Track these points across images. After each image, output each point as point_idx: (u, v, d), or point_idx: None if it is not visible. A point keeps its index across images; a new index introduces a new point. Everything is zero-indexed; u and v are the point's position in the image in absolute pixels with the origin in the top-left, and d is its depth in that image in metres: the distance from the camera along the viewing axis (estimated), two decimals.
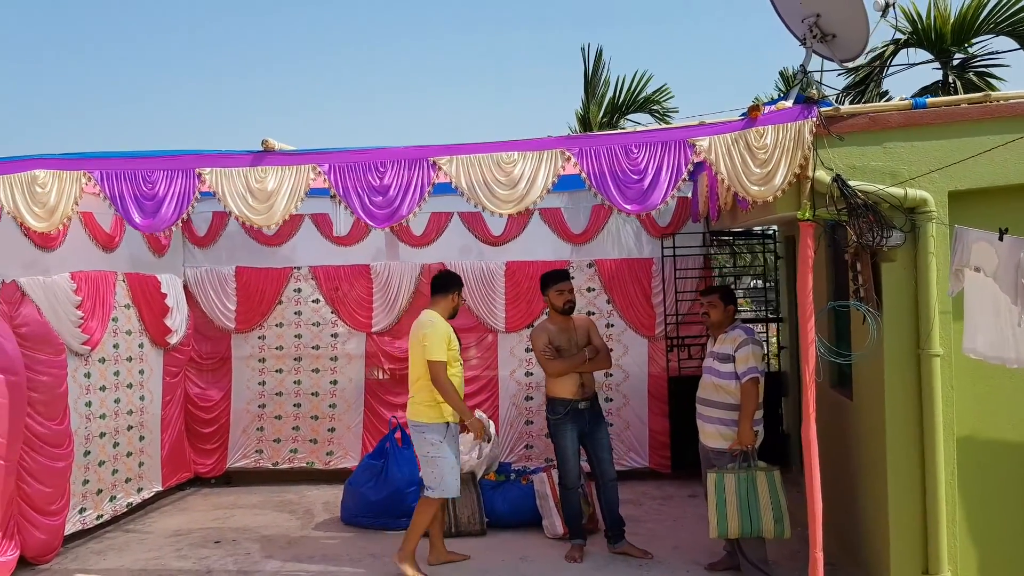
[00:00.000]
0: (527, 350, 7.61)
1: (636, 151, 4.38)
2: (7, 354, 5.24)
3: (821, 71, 5.04)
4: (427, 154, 4.63)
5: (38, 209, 4.63)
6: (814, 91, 4.31)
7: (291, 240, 7.75)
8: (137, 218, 4.66)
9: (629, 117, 12.10)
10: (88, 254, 6.32)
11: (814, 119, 4.21)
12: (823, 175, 4.25)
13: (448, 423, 5.20)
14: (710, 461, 5.04)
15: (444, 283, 5.53)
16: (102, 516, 6.38)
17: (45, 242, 5.84)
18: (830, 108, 4.33)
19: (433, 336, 5.14)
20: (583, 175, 4.41)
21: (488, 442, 6.35)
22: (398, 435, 6.56)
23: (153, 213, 4.66)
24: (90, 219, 6.27)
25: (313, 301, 7.81)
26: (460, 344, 5.44)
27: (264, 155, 4.72)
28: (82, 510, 6.15)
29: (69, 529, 5.92)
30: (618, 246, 7.66)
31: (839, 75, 9.51)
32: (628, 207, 4.33)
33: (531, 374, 7.67)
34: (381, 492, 6.26)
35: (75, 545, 6.02)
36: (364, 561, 5.59)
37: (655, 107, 11.97)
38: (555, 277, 5.69)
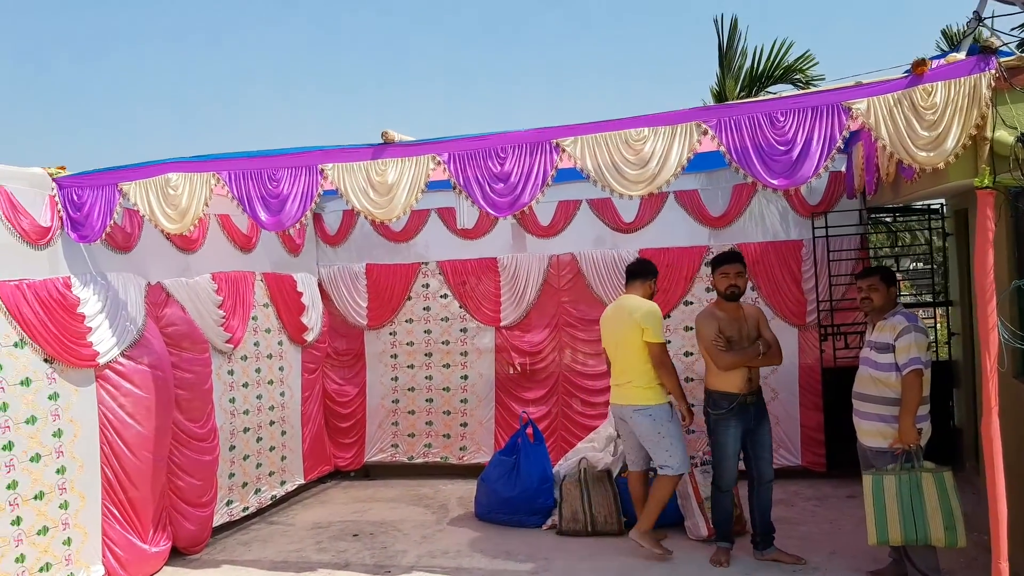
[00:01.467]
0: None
1: (783, 119, 3.96)
2: (154, 352, 5.44)
3: (993, 17, 4.42)
4: (549, 136, 4.40)
5: (171, 211, 4.75)
6: (992, 39, 3.73)
7: (418, 235, 7.73)
8: (263, 216, 4.69)
9: (769, 89, 11.37)
10: (227, 255, 6.50)
11: (993, 71, 3.65)
12: (1004, 136, 3.68)
13: (670, 402, 5.20)
14: (869, 461, 4.53)
15: (642, 269, 5.44)
16: (248, 508, 6.57)
17: (187, 245, 6.04)
18: (1012, 58, 3.74)
19: (653, 319, 5.11)
20: (722, 149, 4.04)
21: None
22: (529, 431, 6.38)
23: (278, 211, 4.68)
24: (227, 221, 6.44)
25: (441, 296, 7.75)
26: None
27: (385, 147, 4.64)
28: (229, 502, 6.35)
29: (217, 521, 6.12)
30: (763, 228, 7.12)
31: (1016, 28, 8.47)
32: (775, 182, 3.92)
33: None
34: (514, 489, 6.10)
35: (223, 536, 6.21)
36: (499, 558, 5.44)
37: (797, 76, 11.15)
38: (721, 259, 5.19)
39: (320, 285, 7.80)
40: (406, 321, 7.82)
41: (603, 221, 7.38)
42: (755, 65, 11.08)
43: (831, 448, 6.84)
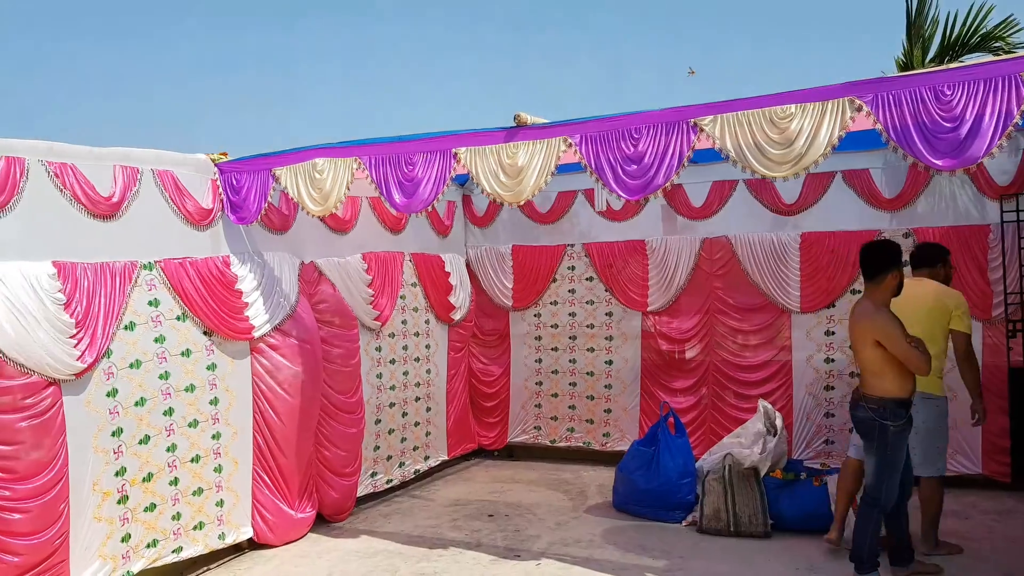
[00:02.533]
0: (826, 333, 6.75)
1: (949, 92, 3.49)
2: (305, 327, 5.71)
3: None
4: (687, 115, 4.14)
5: (316, 194, 4.93)
6: None
7: (565, 217, 7.62)
8: (397, 199, 4.77)
9: (963, 59, 10.24)
10: (378, 236, 6.71)
11: None
12: None
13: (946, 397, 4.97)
14: None
15: (934, 254, 5.14)
16: (391, 481, 6.81)
17: (339, 226, 6.28)
18: None
19: (963, 306, 4.87)
20: (878, 127, 3.63)
21: (773, 435, 5.73)
22: (671, 422, 6.14)
23: (411, 194, 4.73)
24: (378, 204, 6.63)
25: (587, 279, 7.62)
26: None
27: (517, 130, 4.57)
28: (373, 474, 6.60)
29: (361, 491, 6.38)
30: (943, 211, 6.42)
31: None
32: (939, 162, 3.48)
33: (832, 360, 6.77)
34: (651, 481, 5.91)
35: (366, 507, 6.47)
36: (632, 552, 5.30)
37: (997, 44, 9.96)
38: (899, 253, 4.50)
39: (468, 266, 7.89)
40: (551, 303, 7.77)
41: (761, 202, 6.94)
42: (947, 33, 10.01)
43: (1018, 457, 6.12)
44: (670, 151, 4.16)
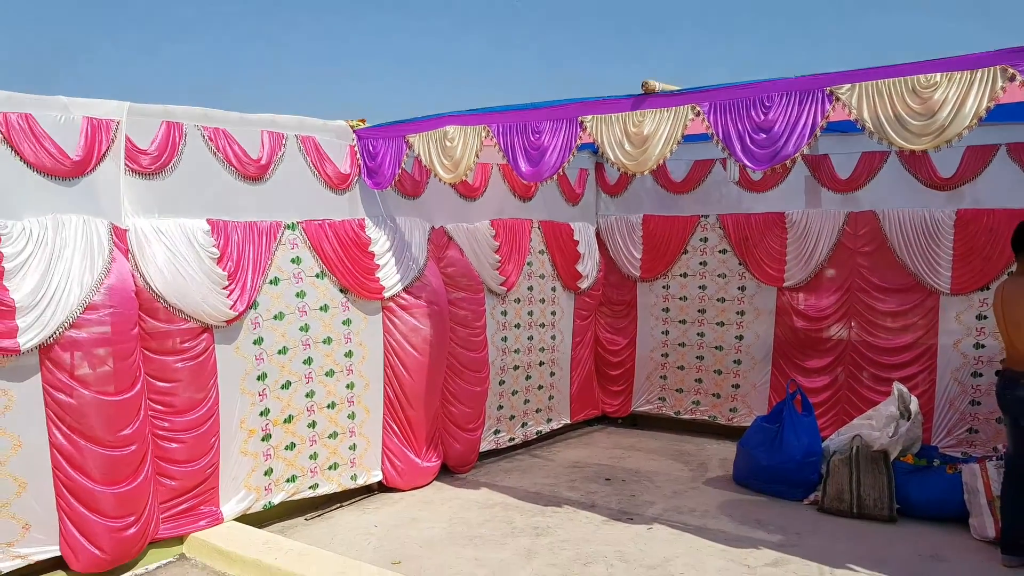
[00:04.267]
0: (978, 317, 6.32)
1: None
2: (433, 289, 5.96)
3: None
4: (823, 83, 3.99)
5: (447, 161, 5.10)
6: None
7: (700, 187, 7.46)
8: (523, 167, 4.86)
9: None
10: (507, 203, 6.85)
11: None
12: None
13: None
14: None
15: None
16: (514, 439, 7.03)
17: (469, 192, 6.47)
18: None
19: None
20: None
21: (907, 419, 5.48)
22: (797, 399, 5.98)
23: (537, 162, 4.81)
24: (508, 171, 6.75)
25: (720, 251, 7.46)
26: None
27: (644, 98, 4.53)
28: (496, 432, 6.84)
29: (484, 447, 6.64)
30: None
31: None
32: None
33: (982, 346, 6.34)
34: (773, 458, 5.80)
35: (489, 462, 6.73)
36: (746, 525, 5.25)
37: None
38: None
39: (598, 234, 7.91)
40: (680, 275, 7.67)
41: (914, 175, 6.51)
42: None
43: None
44: (802, 121, 4.01)
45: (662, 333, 7.83)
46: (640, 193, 7.79)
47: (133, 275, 4.42)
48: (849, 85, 3.88)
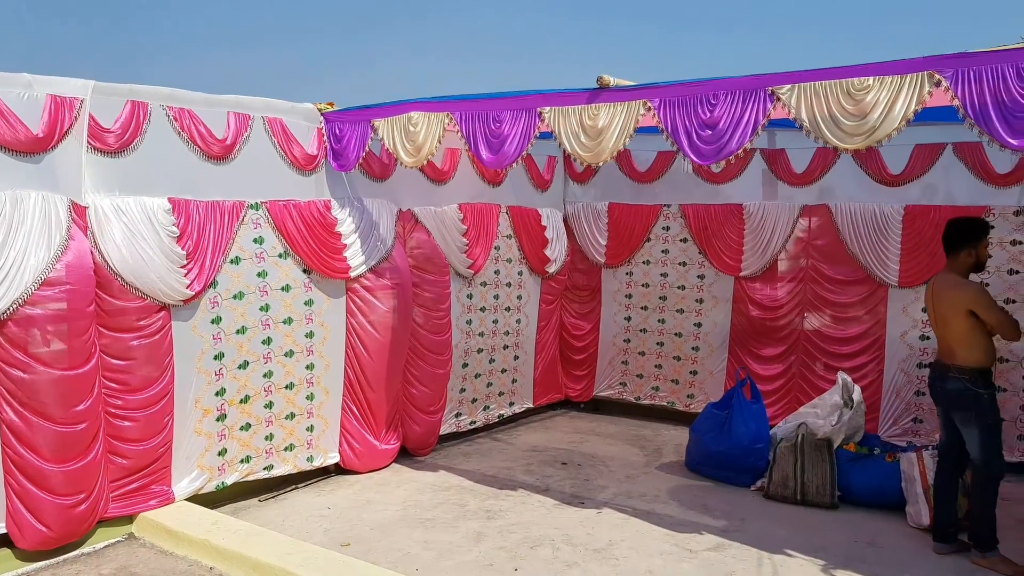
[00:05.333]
0: (924, 309, 6.49)
1: None
2: (399, 271, 6.05)
3: None
4: (765, 83, 4.11)
5: (409, 145, 5.19)
6: None
7: (663, 177, 7.59)
8: (484, 155, 4.96)
9: None
10: (475, 188, 6.94)
11: None
12: None
13: None
14: None
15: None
16: (475, 423, 7.16)
17: (437, 176, 6.55)
18: None
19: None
20: (956, 104, 3.50)
21: (849, 408, 5.66)
22: (747, 387, 6.15)
23: (497, 150, 4.91)
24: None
25: (681, 240, 7.61)
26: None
27: (599, 92, 4.64)
28: (458, 415, 6.96)
29: (445, 430, 6.77)
30: None
31: None
32: (1015, 142, 3.34)
33: (927, 338, 6.53)
34: (721, 444, 5.97)
35: (449, 445, 6.86)
36: (693, 510, 5.42)
37: None
38: (984, 227, 4.63)
39: (565, 220, 8.02)
40: (643, 262, 7.81)
41: (865, 171, 6.69)
42: None
43: None
44: (745, 118, 4.14)
45: (624, 319, 7.98)
46: (606, 181, 7.91)
47: (92, 252, 4.48)
48: (789, 86, 4.01)
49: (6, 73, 4.17)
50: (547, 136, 4.89)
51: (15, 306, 4.14)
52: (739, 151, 4.17)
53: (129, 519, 4.84)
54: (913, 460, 5.24)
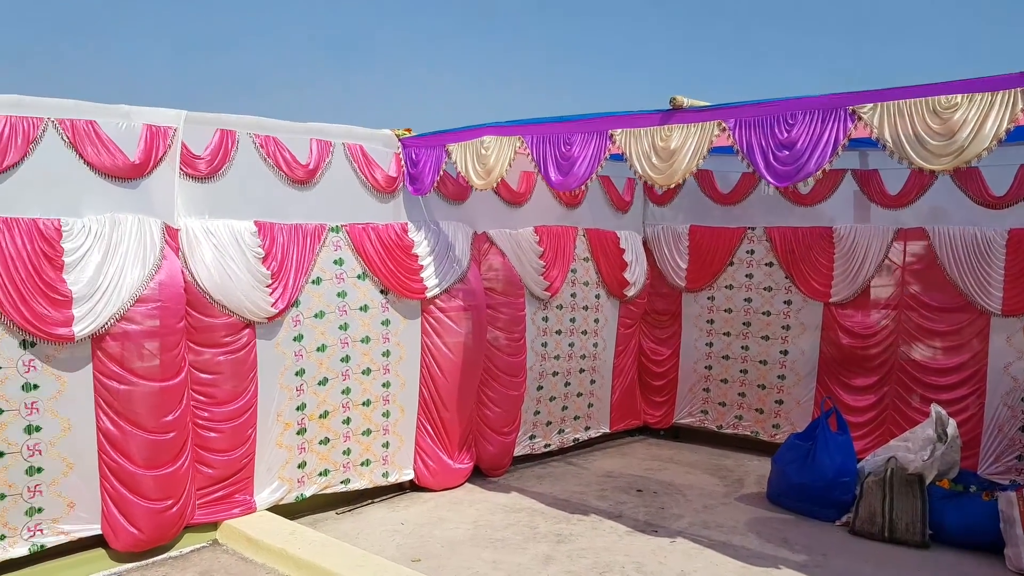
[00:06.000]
0: None
1: None
2: (474, 293, 6.13)
3: None
4: (845, 102, 3.99)
5: (480, 168, 5.27)
6: None
7: (747, 199, 7.42)
8: (553, 176, 4.98)
9: None
10: (552, 210, 6.96)
11: None
12: None
13: None
14: None
15: None
16: (549, 446, 7.12)
17: (514, 199, 6.62)
18: None
19: None
20: None
21: (943, 442, 5.37)
22: (832, 418, 5.92)
23: (567, 172, 4.93)
24: None
25: (766, 264, 7.40)
26: None
27: (672, 113, 4.60)
28: (532, 437, 6.95)
29: (519, 452, 6.76)
30: None
31: None
32: None
33: None
34: (804, 476, 5.75)
35: (523, 467, 6.85)
36: (772, 543, 5.23)
37: None
38: None
39: (645, 243, 7.95)
40: (726, 287, 7.64)
41: (966, 193, 6.36)
42: None
43: None
44: (824, 138, 4.02)
45: (706, 345, 7.81)
46: (688, 203, 7.80)
47: (183, 272, 4.72)
48: (871, 104, 3.88)
49: (106, 105, 4.47)
50: (618, 158, 4.88)
51: (112, 321, 4.40)
52: (818, 172, 4.05)
53: (214, 526, 5.05)
54: (1013, 500, 4.92)
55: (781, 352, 7.37)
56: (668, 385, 8.01)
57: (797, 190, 7.02)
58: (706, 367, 7.82)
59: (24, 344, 4.20)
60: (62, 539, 4.44)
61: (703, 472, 6.93)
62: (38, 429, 4.28)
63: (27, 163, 4.17)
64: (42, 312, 4.17)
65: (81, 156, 4.38)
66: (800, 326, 7.26)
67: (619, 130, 4.74)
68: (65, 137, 4.31)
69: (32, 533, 4.31)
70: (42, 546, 4.35)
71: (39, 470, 4.30)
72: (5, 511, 4.20)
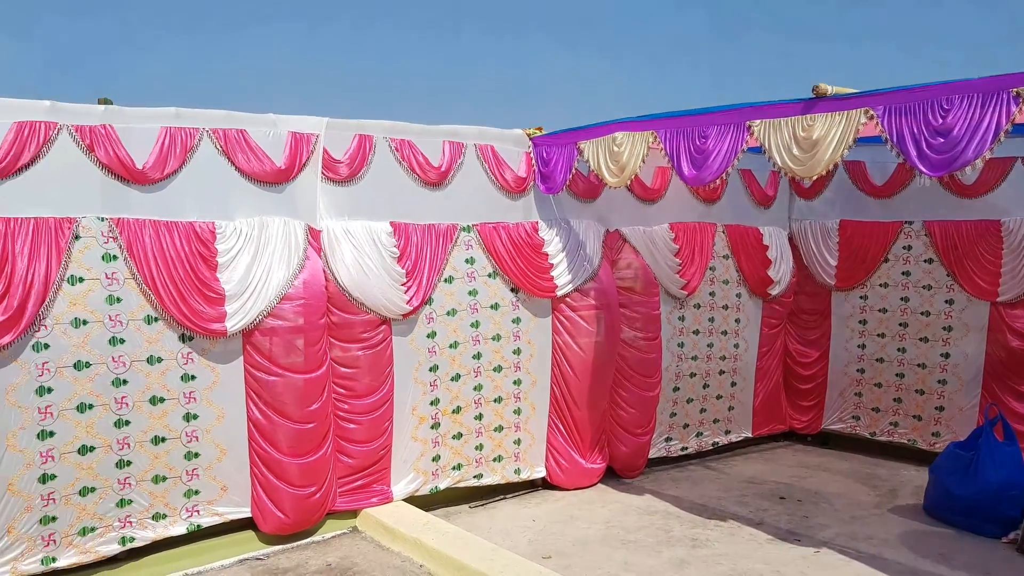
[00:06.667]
0: None
1: None
2: (605, 291, 6.06)
3: None
4: (1008, 85, 3.64)
5: (613, 166, 5.20)
6: None
7: (904, 190, 6.91)
8: (686, 171, 4.84)
9: None
10: (688, 206, 6.75)
11: None
12: None
13: None
14: None
15: None
16: (686, 448, 6.93)
17: (648, 195, 6.48)
18: None
19: None
20: None
21: None
22: (998, 427, 5.41)
23: (701, 166, 4.78)
24: None
25: (925, 261, 6.87)
26: None
27: (815, 102, 4.36)
28: (668, 439, 6.79)
29: (654, 454, 6.63)
30: None
31: None
32: None
33: None
34: (966, 488, 5.29)
35: (659, 469, 6.70)
36: (928, 559, 4.86)
37: None
38: None
39: (791, 239, 7.57)
40: (880, 285, 7.15)
41: None
42: None
43: None
44: (984, 124, 3.69)
45: (858, 347, 7.35)
46: (838, 196, 7.35)
47: (324, 271, 4.96)
48: None
49: (255, 114, 4.77)
50: (756, 151, 4.67)
51: (261, 317, 4.68)
52: (977, 160, 3.71)
53: (353, 514, 5.27)
54: None
55: (942, 355, 6.82)
56: (816, 389, 7.60)
57: (959, 180, 6.48)
58: (858, 370, 7.36)
59: (183, 338, 4.55)
60: (216, 520, 4.78)
61: (853, 481, 6.53)
62: (195, 417, 4.63)
63: (185, 171, 4.52)
64: (198, 308, 4.50)
65: (232, 163, 4.69)
66: (963, 327, 6.69)
67: (757, 121, 4.55)
68: (218, 146, 4.63)
69: (190, 514, 4.66)
70: (199, 526, 4.71)
71: (196, 455, 4.65)
72: (166, 492, 4.57)
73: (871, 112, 4.10)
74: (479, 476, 5.75)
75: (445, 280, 5.44)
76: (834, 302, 7.46)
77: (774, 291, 7.29)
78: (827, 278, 7.41)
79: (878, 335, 7.22)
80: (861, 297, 7.30)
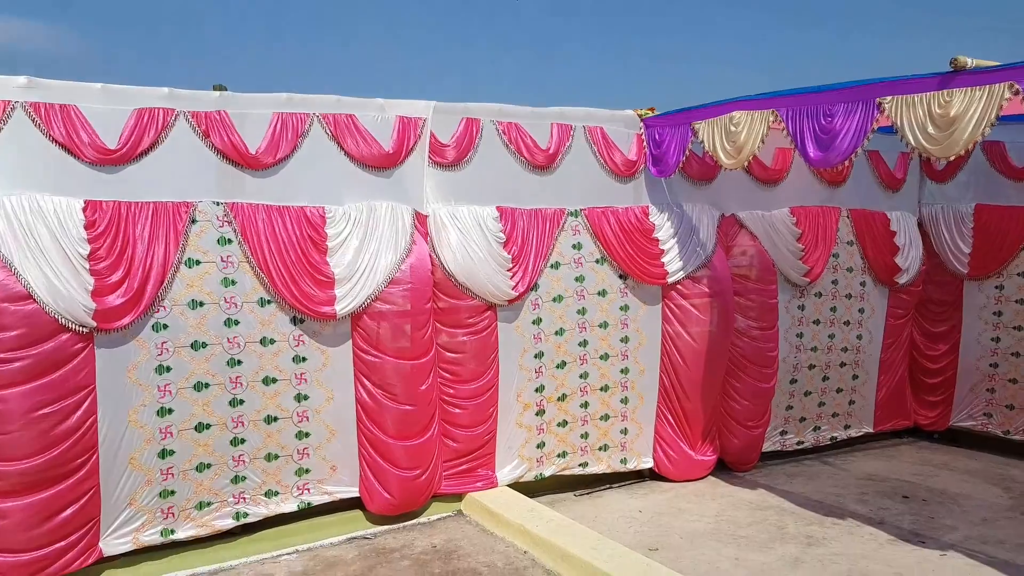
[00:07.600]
0: None
1: None
2: (718, 278, 5.84)
3: None
4: None
5: (729, 147, 4.97)
6: None
7: None
8: (811, 152, 4.57)
9: None
10: (810, 189, 6.40)
11: None
12: None
13: None
14: None
15: None
16: (802, 443, 6.62)
17: (768, 178, 6.18)
18: None
19: None
20: None
21: None
22: None
23: (827, 147, 4.49)
24: None
25: None
26: None
27: (954, 76, 4.01)
28: (783, 433, 6.51)
29: (768, 447, 6.37)
30: None
31: None
32: None
33: None
34: None
35: (773, 463, 6.43)
36: None
37: None
38: None
39: (920, 225, 7.08)
40: (1018, 274, 6.61)
41: None
42: None
43: None
44: None
45: (992, 340, 6.82)
46: (974, 179, 6.84)
47: (430, 256, 4.96)
48: None
49: (363, 99, 4.79)
50: (886, 131, 4.35)
51: (369, 301, 4.73)
52: None
53: (458, 497, 5.29)
54: None
55: None
56: (944, 383, 7.12)
57: None
58: (991, 365, 6.84)
59: (294, 320, 4.65)
60: (326, 498, 4.88)
61: (984, 481, 6.08)
62: (306, 398, 4.73)
63: (296, 156, 4.60)
64: (309, 292, 4.59)
65: (342, 148, 4.74)
66: None
67: (888, 98, 4.22)
68: (328, 131, 4.68)
69: (300, 492, 4.79)
70: (309, 504, 4.82)
71: (307, 435, 4.76)
72: (278, 470, 4.70)
73: (1017, 87, 3.73)
74: (584, 464, 5.66)
75: (551, 266, 5.36)
76: (966, 292, 6.95)
77: (901, 280, 6.85)
78: (959, 266, 6.90)
79: (1015, 328, 6.68)
80: (997, 287, 6.76)
